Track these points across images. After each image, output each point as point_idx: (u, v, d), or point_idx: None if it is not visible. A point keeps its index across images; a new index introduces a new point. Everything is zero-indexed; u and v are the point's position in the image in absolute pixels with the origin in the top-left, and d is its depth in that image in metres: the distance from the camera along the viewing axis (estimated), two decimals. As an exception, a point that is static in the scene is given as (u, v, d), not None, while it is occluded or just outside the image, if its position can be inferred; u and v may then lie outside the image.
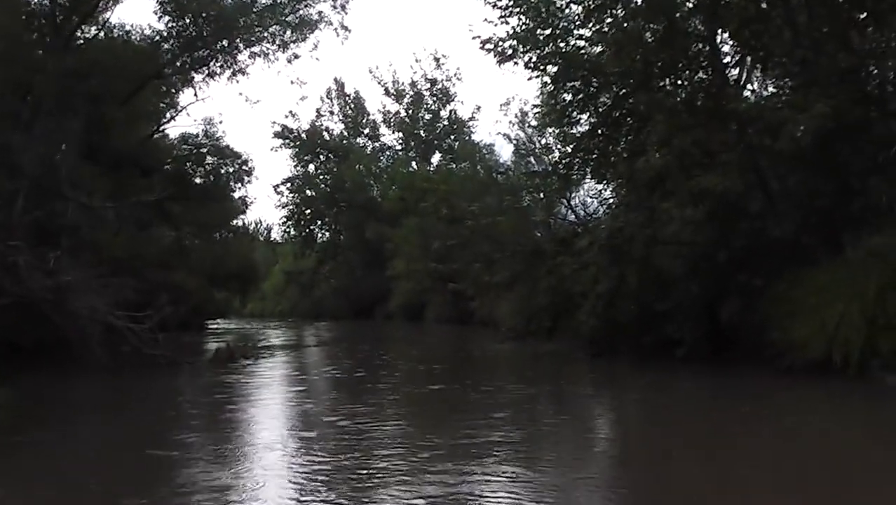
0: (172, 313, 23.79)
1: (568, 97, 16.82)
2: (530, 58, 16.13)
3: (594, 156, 17.63)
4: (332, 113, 61.74)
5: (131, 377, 16.24)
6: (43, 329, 17.31)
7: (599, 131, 16.86)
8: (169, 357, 17.88)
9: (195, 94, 27.83)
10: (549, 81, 16.62)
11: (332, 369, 19.68)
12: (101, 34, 25.41)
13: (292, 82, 36.61)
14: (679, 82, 15.94)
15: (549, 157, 25.73)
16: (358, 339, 31.24)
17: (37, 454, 8.51)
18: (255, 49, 25.65)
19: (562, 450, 8.55)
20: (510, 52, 16.37)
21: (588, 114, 17.27)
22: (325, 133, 61.16)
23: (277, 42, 25.67)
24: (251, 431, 10.50)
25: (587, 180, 20.80)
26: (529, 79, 17.13)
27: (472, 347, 24.15)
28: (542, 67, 16.20)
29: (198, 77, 26.58)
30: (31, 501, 6.82)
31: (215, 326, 42.79)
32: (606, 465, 8.12)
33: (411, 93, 59.10)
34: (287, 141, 59.74)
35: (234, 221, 42.73)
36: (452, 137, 57.88)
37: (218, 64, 25.88)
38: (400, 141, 60.59)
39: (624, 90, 15.79)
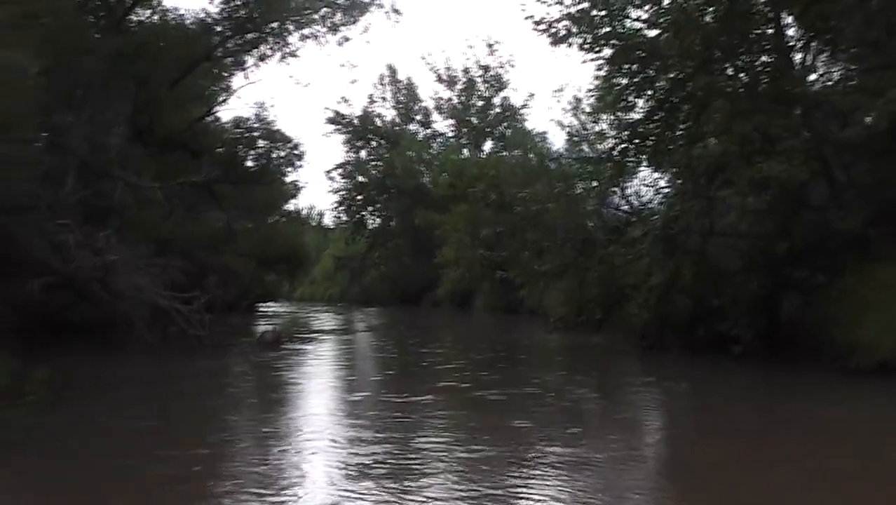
0: (222, 295, 23.91)
1: (623, 81, 16.18)
2: (585, 39, 15.53)
3: (650, 142, 16.96)
4: (384, 99, 61.58)
5: (176, 358, 16.28)
6: (94, 308, 17.41)
7: (656, 116, 16.17)
8: (214, 339, 17.86)
9: (245, 77, 27.80)
10: (603, 64, 15.99)
11: (376, 355, 19.50)
12: (155, 17, 25.48)
13: (342, 65, 36.60)
14: (740, 65, 15.16)
15: (603, 144, 25.00)
16: (404, 325, 31.05)
17: (54, 437, 8.43)
18: (306, 31, 25.49)
19: (610, 451, 8.05)
20: (564, 33, 15.79)
21: (644, 99, 16.60)
22: (377, 119, 61.07)
23: (328, 24, 25.46)
24: (289, 413, 10.29)
25: (641, 168, 20.11)
26: (584, 62, 16.51)
27: (520, 337, 23.71)
28: (596, 49, 15.58)
29: (248, 60, 26.53)
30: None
31: (265, 309, 43.13)
32: (653, 469, 7.66)
33: (464, 79, 58.55)
34: (339, 127, 59.83)
35: (286, 206, 42.85)
36: (505, 125, 57.16)
37: (268, 46, 25.78)
38: (452, 128, 60.12)
39: (682, 74, 15.09)
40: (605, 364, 16.72)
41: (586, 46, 15.56)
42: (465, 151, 56.51)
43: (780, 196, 13.17)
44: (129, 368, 15.21)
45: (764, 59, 15.63)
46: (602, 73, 16.37)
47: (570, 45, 15.72)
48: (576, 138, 33.39)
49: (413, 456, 7.49)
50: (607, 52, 15.73)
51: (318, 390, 13.03)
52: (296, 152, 32.63)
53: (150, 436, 8.58)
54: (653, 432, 9.65)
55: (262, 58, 26.09)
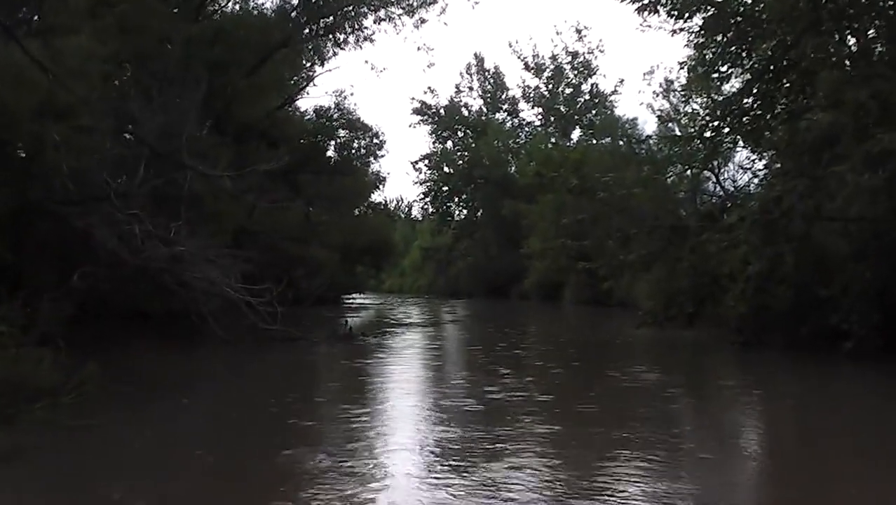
0: (306, 288, 23.52)
1: (717, 51, 14.73)
2: (674, 4, 14.16)
3: (747, 119, 15.49)
4: (470, 89, 61.16)
5: (245, 351, 15.79)
6: (167, 300, 17.13)
7: (754, 90, 14.67)
8: (286, 332, 17.30)
9: (322, 64, 27.35)
10: (696, 33, 14.59)
11: (452, 350, 18.75)
12: (236, 6, 25.31)
13: (419, 48, 35.92)
14: (850, 30, 13.53)
15: (695, 125, 23.43)
16: (484, 318, 30.28)
17: (91, 442, 7.77)
18: (381, 14, 24.81)
19: (703, 464, 6.97)
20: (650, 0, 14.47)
21: (740, 71, 15.12)
22: (463, 109, 60.52)
23: (403, 6, 24.72)
24: (350, 409, 9.52)
25: (737, 150, 18.58)
26: (673, 32, 15.17)
27: (607, 332, 22.45)
28: (687, 16, 14.20)
29: (326, 46, 26.08)
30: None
31: (350, 302, 42.98)
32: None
33: (552, 67, 57.35)
34: (425, 117, 59.55)
35: (371, 197, 42.52)
36: (594, 112, 55.70)
37: (344, 32, 25.25)
38: (539, 116, 59.04)
39: (785, 40, 13.56)
40: (697, 362, 15.41)
41: (675, 13, 14.20)
42: (553, 140, 55.25)
43: (900, 173, 11.59)
44: (192, 362, 14.82)
45: (877, 22, 14.01)
46: (694, 41, 14.95)
47: (657, 12, 14.39)
48: (666, 121, 31.74)
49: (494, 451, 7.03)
50: (699, 19, 14.35)
51: (386, 385, 12.27)
52: (376, 141, 32.16)
53: (185, 445, 7.86)
54: (753, 446, 8.38)
55: (339, 43, 25.56)
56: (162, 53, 19.57)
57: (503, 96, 60.81)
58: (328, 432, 8.32)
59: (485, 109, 60.77)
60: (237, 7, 25.37)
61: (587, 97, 56.68)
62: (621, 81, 56.71)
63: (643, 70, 64.99)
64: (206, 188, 19.46)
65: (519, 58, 58.18)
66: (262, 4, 25.46)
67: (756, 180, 20.06)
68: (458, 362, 15.63)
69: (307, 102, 46.35)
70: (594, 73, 56.47)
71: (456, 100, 60.40)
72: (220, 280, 17.12)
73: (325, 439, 7.93)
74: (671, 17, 14.43)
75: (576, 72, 56.85)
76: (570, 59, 56.65)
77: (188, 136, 18.48)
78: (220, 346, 15.96)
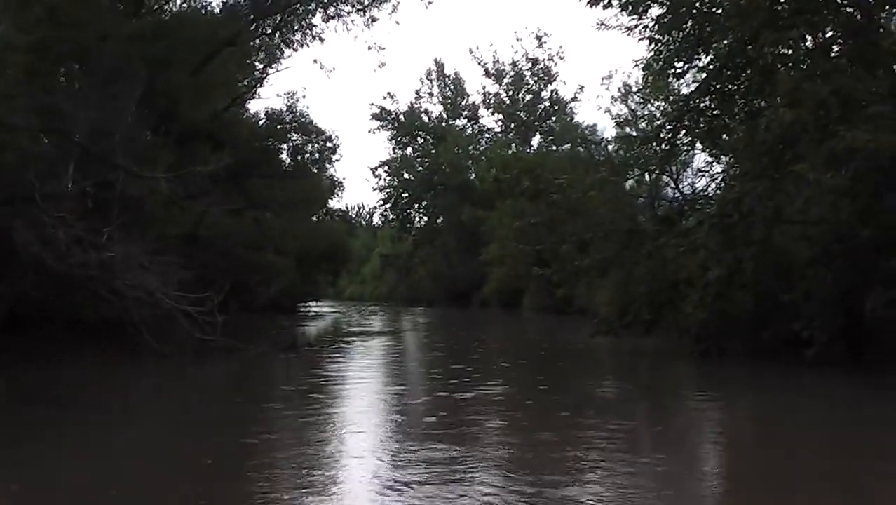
0: (260, 295, 22.55)
1: (673, 47, 14.19)
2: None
3: (704, 120, 14.98)
4: (431, 94, 60.57)
5: (185, 364, 14.93)
6: (106, 307, 16.12)
7: (711, 89, 14.15)
8: (226, 343, 16.36)
9: (271, 64, 26.45)
10: (651, 28, 14.02)
11: (399, 361, 18.07)
12: (183, 4, 24.34)
13: (370, 47, 35.07)
14: (810, 24, 13.03)
15: (653, 126, 22.97)
16: (438, 326, 29.68)
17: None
18: (331, 11, 24.01)
19: (659, 478, 6.42)
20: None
21: (697, 68, 14.62)
22: (423, 115, 59.94)
23: (353, 3, 23.95)
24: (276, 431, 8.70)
25: (695, 151, 18.08)
26: (629, 30, 14.61)
27: (562, 341, 21.78)
28: (641, 10, 13.63)
29: (275, 46, 25.21)
30: None
31: (307, 310, 41.99)
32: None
33: (512, 73, 57.10)
34: (385, 123, 58.81)
35: (329, 203, 41.50)
36: (553, 119, 55.47)
37: (293, 31, 24.42)
38: (499, 123, 58.72)
39: (743, 36, 13.02)
40: (655, 373, 14.80)
41: (630, 7, 13.61)
42: (513, 147, 54.89)
43: (863, 172, 11.08)
44: (119, 378, 13.81)
45: (835, 20, 13.56)
46: (649, 36, 14.36)
47: (610, 5, 13.80)
48: (624, 126, 31.37)
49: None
50: (654, 14, 13.79)
51: (302, 403, 11.34)
52: (330, 145, 31.29)
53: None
54: (709, 459, 7.76)
55: (288, 43, 24.72)
56: (98, 48, 18.54)
57: (463, 102, 60.39)
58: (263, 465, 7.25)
59: (445, 115, 60.27)
60: (184, 5, 24.42)
61: (547, 104, 56.56)
62: (581, 88, 56.71)
63: (602, 76, 64.91)
64: (144, 191, 18.47)
65: (479, 64, 57.93)
66: (209, 2, 24.54)
67: (714, 184, 19.68)
68: (407, 375, 14.96)
69: (258, 105, 45.29)
70: (554, 80, 56.44)
71: (416, 105, 59.86)
72: (156, 288, 16.18)
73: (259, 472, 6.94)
74: (625, 12, 13.88)
75: (536, 78, 56.67)
76: (530, 65, 56.49)
77: (123, 136, 17.53)
78: (158, 358, 15.05)
